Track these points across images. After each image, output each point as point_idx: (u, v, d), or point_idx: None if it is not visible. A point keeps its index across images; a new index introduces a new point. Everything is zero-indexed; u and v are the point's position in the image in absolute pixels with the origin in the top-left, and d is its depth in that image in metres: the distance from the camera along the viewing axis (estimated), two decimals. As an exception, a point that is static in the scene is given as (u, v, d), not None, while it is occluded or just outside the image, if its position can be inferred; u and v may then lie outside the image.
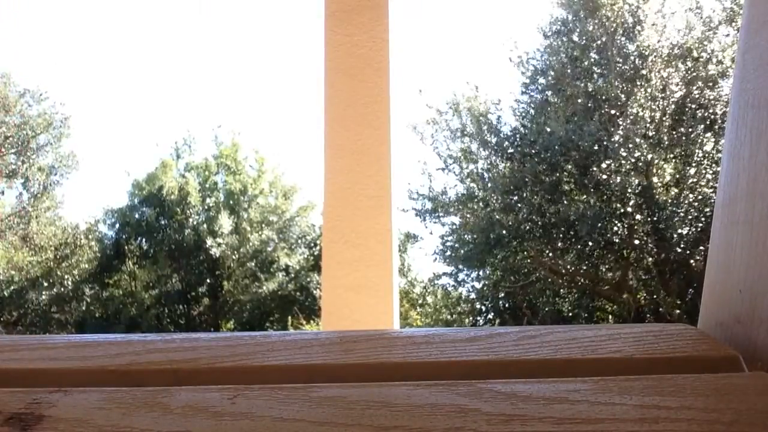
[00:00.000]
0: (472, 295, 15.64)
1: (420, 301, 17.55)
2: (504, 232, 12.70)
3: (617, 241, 12.30)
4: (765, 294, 0.55)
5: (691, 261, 11.80)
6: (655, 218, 11.85)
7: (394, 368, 0.56)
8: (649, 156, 11.75)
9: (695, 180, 12.24)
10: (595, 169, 12.00)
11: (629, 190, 12.00)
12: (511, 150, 13.11)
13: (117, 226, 19.41)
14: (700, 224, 11.86)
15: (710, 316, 0.64)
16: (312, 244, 18.40)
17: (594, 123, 11.86)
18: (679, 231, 12.15)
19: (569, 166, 12.34)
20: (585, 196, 12.46)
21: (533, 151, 12.49)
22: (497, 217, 12.84)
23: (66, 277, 18.17)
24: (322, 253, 2.79)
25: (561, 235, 12.62)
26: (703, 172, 12.19)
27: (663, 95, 12.31)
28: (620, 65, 12.22)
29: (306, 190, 19.59)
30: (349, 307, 1.99)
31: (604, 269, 12.99)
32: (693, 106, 12.22)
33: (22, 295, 17.61)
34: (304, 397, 0.49)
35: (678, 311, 11.72)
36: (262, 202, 18.90)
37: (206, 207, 18.78)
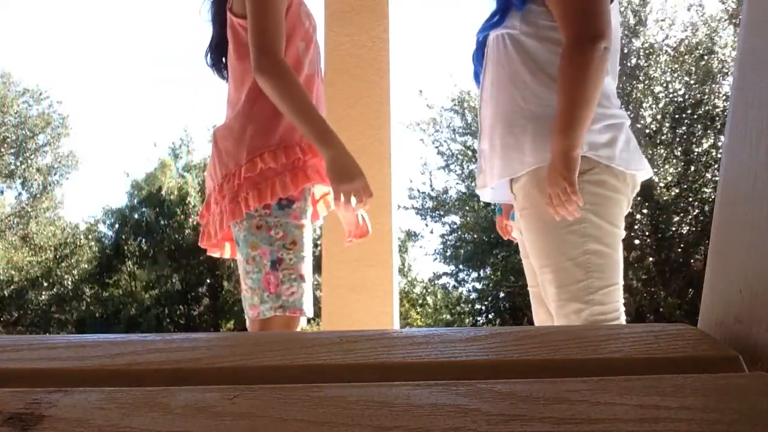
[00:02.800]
0: (472, 295, 15.64)
1: (420, 301, 17.55)
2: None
3: (617, 240, 12.27)
4: (765, 294, 0.55)
5: (691, 261, 11.80)
6: (655, 218, 11.85)
7: (394, 368, 0.56)
8: (650, 155, 11.75)
9: (696, 180, 12.24)
10: (595, 168, 11.97)
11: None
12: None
13: (117, 226, 19.41)
14: (700, 224, 11.86)
15: (710, 316, 0.64)
16: (312, 244, 18.38)
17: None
18: (679, 231, 12.15)
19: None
20: (585, 196, 12.42)
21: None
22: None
23: (66, 277, 18.17)
24: (322, 253, 2.79)
25: (561, 235, 12.58)
26: (704, 171, 12.19)
27: (664, 94, 12.31)
28: (621, 63, 12.21)
29: (306, 190, 19.56)
30: (349, 307, 1.99)
31: (604, 269, 12.96)
32: (694, 104, 12.22)
33: (22, 295, 17.61)
34: (304, 397, 0.49)
35: (678, 311, 11.72)
36: (262, 202, 18.87)
37: (206, 207, 18.78)
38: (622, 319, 1.65)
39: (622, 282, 1.66)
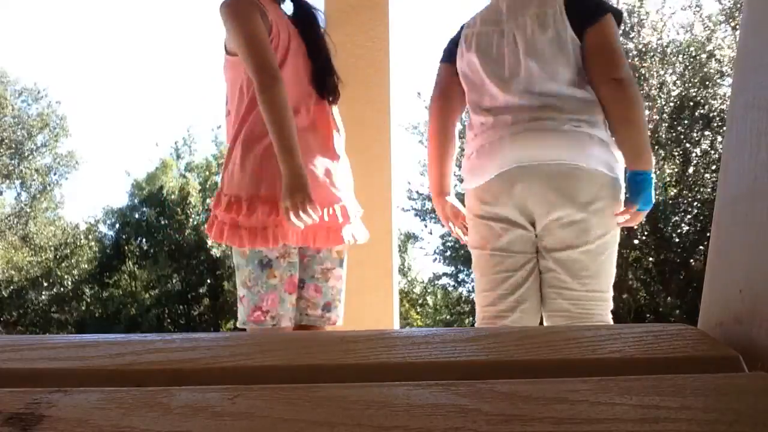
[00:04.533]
0: (472, 295, 15.60)
1: (420, 301, 17.54)
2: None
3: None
4: (765, 294, 0.55)
5: (691, 261, 11.80)
6: (654, 218, 11.84)
7: (394, 368, 0.56)
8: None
9: (695, 180, 12.23)
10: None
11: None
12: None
13: (117, 226, 19.40)
14: (700, 224, 11.86)
15: (710, 316, 0.64)
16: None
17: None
18: (679, 231, 12.15)
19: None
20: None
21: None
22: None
23: (66, 277, 18.17)
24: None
25: (561, 235, 12.56)
26: (703, 171, 12.18)
27: (661, 94, 12.31)
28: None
29: (306, 190, 19.52)
30: (349, 307, 1.99)
31: (603, 269, 12.94)
32: (692, 105, 12.21)
33: (22, 295, 17.60)
34: (305, 397, 0.49)
35: (678, 311, 11.71)
36: (262, 202, 18.84)
37: (207, 207, 18.77)
38: (513, 319, 1.87)
39: (493, 291, 1.91)
